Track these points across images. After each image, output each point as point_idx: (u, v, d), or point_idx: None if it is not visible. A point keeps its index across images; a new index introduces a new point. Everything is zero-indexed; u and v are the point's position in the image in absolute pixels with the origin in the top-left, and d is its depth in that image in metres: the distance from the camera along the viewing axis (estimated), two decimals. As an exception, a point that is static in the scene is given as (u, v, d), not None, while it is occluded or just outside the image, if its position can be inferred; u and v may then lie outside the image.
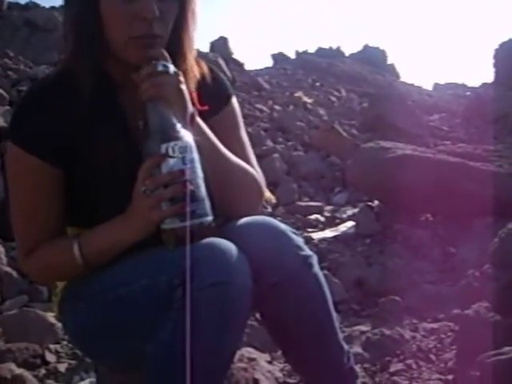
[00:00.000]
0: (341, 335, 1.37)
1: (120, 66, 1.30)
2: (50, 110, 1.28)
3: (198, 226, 1.15)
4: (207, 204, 1.17)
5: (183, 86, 1.24)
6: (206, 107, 1.35)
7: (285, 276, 1.24)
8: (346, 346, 1.37)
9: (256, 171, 1.43)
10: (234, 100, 1.49)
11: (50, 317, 2.61)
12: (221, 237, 1.21)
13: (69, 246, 1.29)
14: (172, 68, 1.23)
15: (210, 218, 1.17)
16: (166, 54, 1.24)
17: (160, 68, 1.21)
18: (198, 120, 1.29)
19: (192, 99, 1.30)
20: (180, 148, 1.15)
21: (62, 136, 1.28)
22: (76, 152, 1.29)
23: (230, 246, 1.19)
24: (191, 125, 1.24)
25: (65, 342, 2.59)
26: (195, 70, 1.37)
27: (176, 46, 1.31)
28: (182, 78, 1.24)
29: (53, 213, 1.33)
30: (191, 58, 1.35)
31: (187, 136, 1.18)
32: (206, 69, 1.42)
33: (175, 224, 1.15)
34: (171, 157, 1.15)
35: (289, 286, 1.25)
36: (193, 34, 1.34)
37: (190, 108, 1.26)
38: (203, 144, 1.26)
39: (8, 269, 3.42)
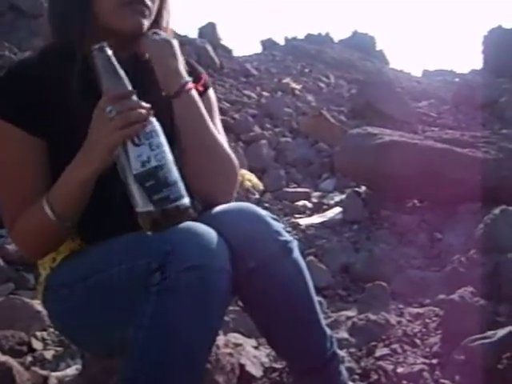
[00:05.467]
0: (323, 320, 1.37)
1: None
2: (31, 87, 1.29)
3: (174, 210, 1.15)
4: (181, 186, 1.17)
5: (172, 50, 1.33)
6: (201, 89, 1.43)
7: (263, 261, 1.25)
8: (328, 331, 1.38)
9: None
10: (211, 91, 1.53)
11: (37, 304, 2.60)
12: (199, 222, 1.21)
13: (40, 204, 1.27)
14: (164, 34, 1.34)
15: (185, 200, 1.17)
16: None
17: (156, 37, 1.31)
18: (193, 92, 1.34)
19: (199, 79, 1.42)
20: (145, 134, 1.14)
21: (42, 109, 1.29)
22: (57, 125, 1.29)
23: (207, 230, 1.19)
24: (180, 93, 1.31)
25: (51, 330, 2.57)
26: None
27: None
28: (174, 48, 1.34)
29: (36, 183, 1.31)
30: None
31: (152, 119, 1.17)
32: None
33: (150, 208, 1.14)
34: (137, 145, 1.13)
35: (267, 271, 1.26)
36: (169, 20, 1.42)
37: (180, 74, 1.33)
38: (192, 112, 1.33)
39: (-7, 256, 3.39)
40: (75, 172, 1.23)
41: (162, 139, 1.16)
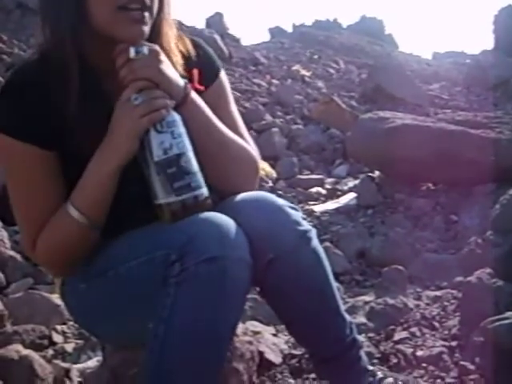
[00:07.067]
0: (343, 307, 1.37)
1: (103, 51, 1.25)
2: (34, 96, 1.24)
3: (193, 200, 1.16)
4: (200, 177, 1.18)
5: (162, 64, 1.23)
6: (202, 87, 1.36)
7: (282, 251, 1.24)
8: (348, 318, 1.38)
9: (250, 146, 1.42)
10: (223, 74, 1.47)
11: (56, 298, 2.62)
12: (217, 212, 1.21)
13: (64, 212, 1.25)
14: (146, 49, 1.21)
15: (204, 191, 1.19)
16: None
17: (132, 54, 1.19)
18: (193, 94, 1.28)
19: (191, 76, 1.33)
20: (168, 123, 1.17)
21: (47, 119, 1.24)
22: (62, 137, 1.25)
23: (227, 221, 1.18)
24: (184, 99, 1.25)
25: (71, 323, 2.60)
26: (181, 46, 1.36)
27: (157, 26, 1.29)
28: (161, 57, 1.23)
29: (52, 197, 1.28)
30: (172, 37, 1.33)
31: (173, 111, 1.19)
32: (189, 45, 1.40)
33: (170, 198, 1.15)
34: (160, 132, 1.16)
35: (286, 261, 1.25)
36: (170, 11, 1.32)
37: (180, 82, 1.26)
38: (198, 118, 1.27)
39: (12, 252, 3.42)
40: (101, 165, 1.22)
41: (183, 130, 1.19)
